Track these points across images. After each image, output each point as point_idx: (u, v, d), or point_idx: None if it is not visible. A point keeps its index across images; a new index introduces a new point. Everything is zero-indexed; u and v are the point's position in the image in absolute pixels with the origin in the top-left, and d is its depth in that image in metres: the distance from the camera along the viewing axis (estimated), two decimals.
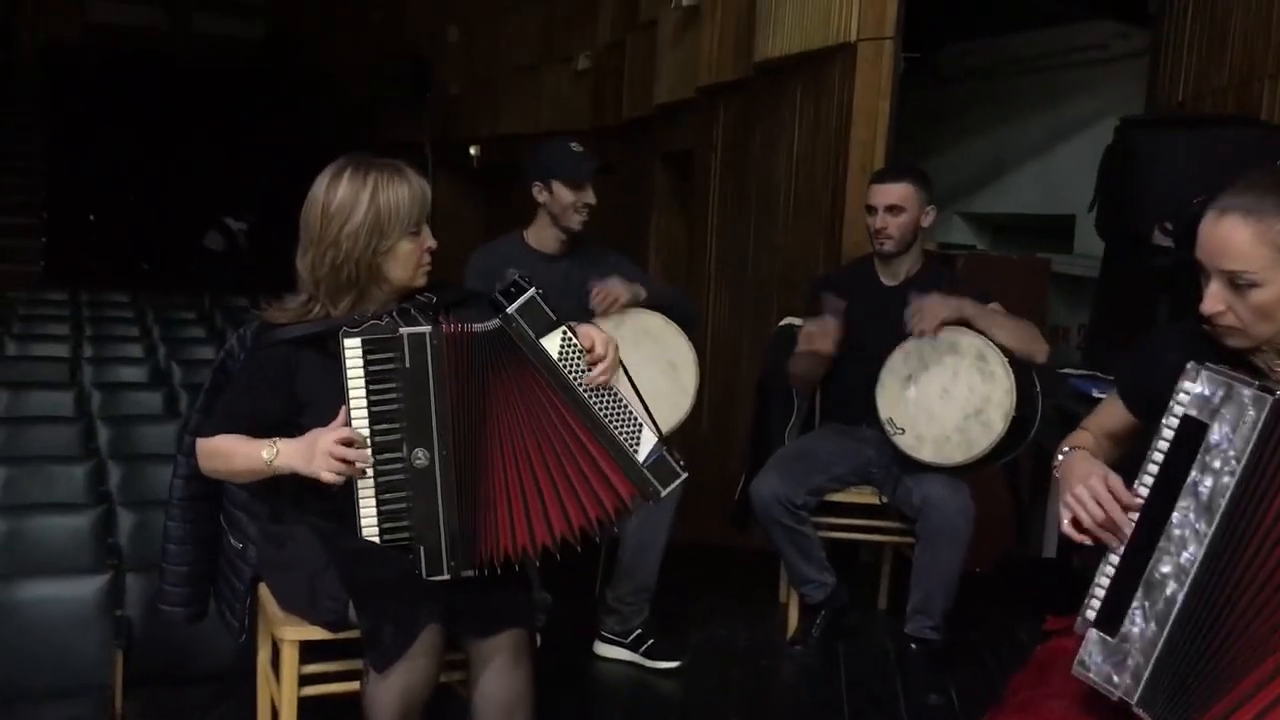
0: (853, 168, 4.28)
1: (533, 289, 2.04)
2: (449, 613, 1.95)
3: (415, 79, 10.77)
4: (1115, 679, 1.51)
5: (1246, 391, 1.46)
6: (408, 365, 1.96)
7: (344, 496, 1.99)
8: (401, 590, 1.93)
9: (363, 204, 2.02)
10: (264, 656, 2.28)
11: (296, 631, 2.06)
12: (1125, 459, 1.75)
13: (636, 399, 2.08)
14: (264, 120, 13.27)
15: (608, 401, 2.05)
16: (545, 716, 2.09)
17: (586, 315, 3.09)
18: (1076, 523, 1.62)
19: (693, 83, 5.88)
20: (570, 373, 2.03)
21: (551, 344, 2.03)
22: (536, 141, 3.44)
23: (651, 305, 3.16)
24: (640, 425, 2.07)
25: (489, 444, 2.03)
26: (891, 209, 3.19)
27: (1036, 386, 3.09)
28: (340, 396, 1.97)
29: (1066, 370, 3.78)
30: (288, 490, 2.11)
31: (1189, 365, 1.54)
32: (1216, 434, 1.47)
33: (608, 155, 3.28)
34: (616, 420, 2.05)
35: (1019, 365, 3.00)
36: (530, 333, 2.02)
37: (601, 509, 2.04)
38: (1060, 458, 1.77)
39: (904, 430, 3.07)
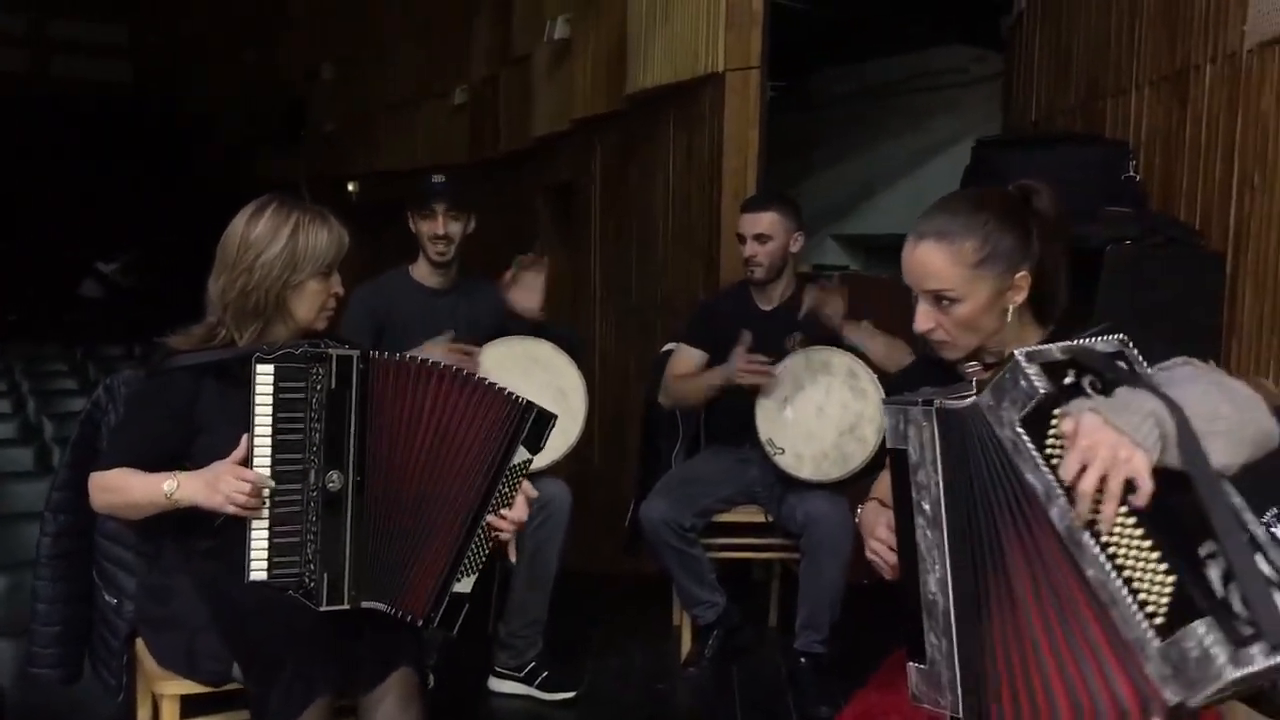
0: (726, 195, 4.37)
1: (553, 416, 2.05)
2: (340, 673, 1.92)
3: (290, 117, 10.64)
4: (941, 701, 1.58)
5: (915, 410, 1.55)
6: (332, 385, 1.95)
7: (230, 532, 1.96)
8: (291, 653, 1.90)
9: (282, 238, 2.05)
10: (144, 715, 2.22)
11: (176, 686, 2.01)
12: None
13: (490, 554, 2.06)
14: (136, 163, 12.94)
15: (484, 533, 2.03)
16: None
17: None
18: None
19: (568, 115, 5.94)
20: (500, 485, 2.02)
21: (520, 455, 2.03)
22: (415, 177, 3.45)
23: (541, 334, 3.18)
24: (479, 568, 2.03)
25: (411, 482, 2.02)
26: (759, 237, 3.28)
27: None
28: (239, 426, 1.94)
29: None
30: (170, 527, 2.07)
31: (882, 403, 1.64)
32: (913, 454, 1.55)
33: (487, 189, 3.28)
34: (475, 547, 2.02)
35: (889, 380, 3.10)
36: (525, 431, 2.01)
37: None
38: (859, 512, 1.86)
39: (784, 450, 3.14)
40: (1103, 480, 1.32)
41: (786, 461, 3.13)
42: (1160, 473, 1.34)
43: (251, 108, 11.27)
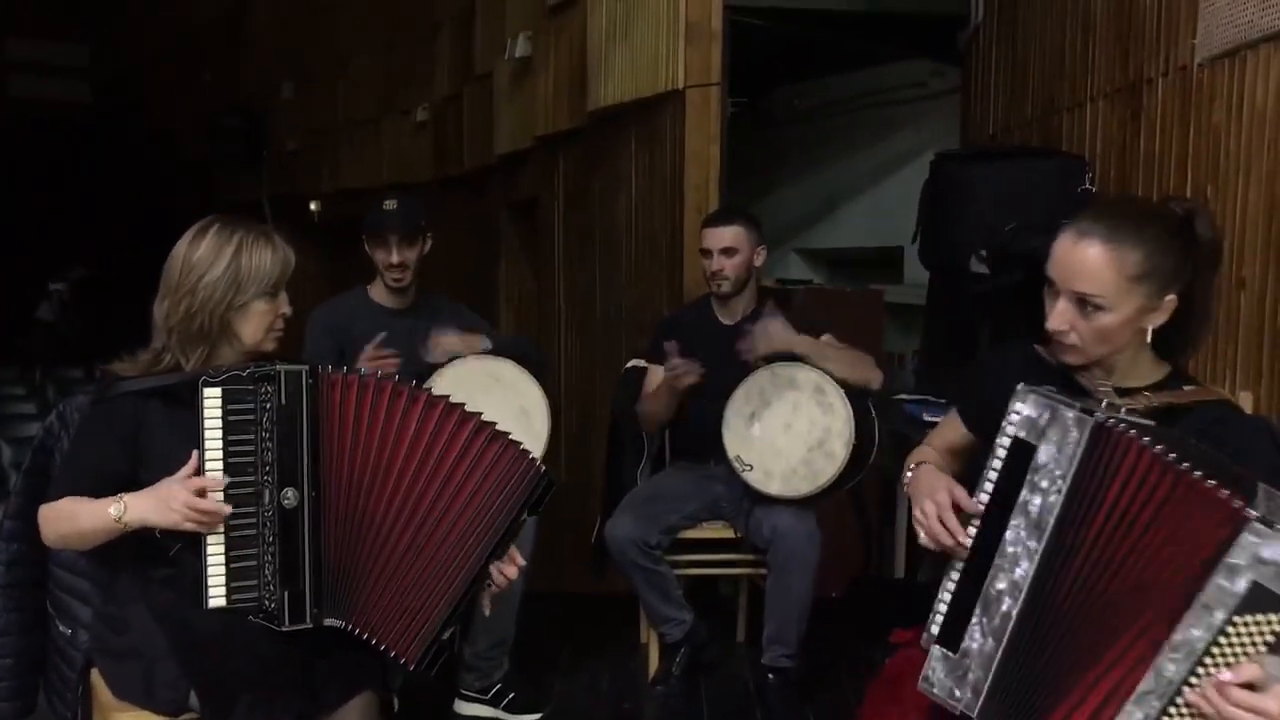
0: (688, 210, 4.38)
1: (553, 483, 2.01)
2: (302, 693, 1.90)
3: (251, 136, 10.57)
4: (957, 693, 1.56)
5: (1070, 414, 1.51)
6: (282, 401, 1.92)
7: (187, 559, 1.93)
8: (249, 683, 1.87)
9: (225, 258, 2.01)
10: None
11: (132, 718, 1.97)
12: (968, 473, 1.79)
13: (477, 604, 2.03)
14: (96, 183, 12.81)
15: (477, 588, 1.99)
16: None
17: (428, 367, 3.08)
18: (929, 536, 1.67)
19: (531, 132, 5.94)
20: (502, 542, 1.98)
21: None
22: (378, 195, 3.42)
23: (502, 352, 3.16)
24: (461, 616, 2.00)
25: (370, 498, 1.99)
26: (726, 251, 3.28)
27: (872, 413, 3.20)
28: (188, 451, 1.91)
29: (900, 396, 3.93)
30: (126, 557, 2.03)
31: (1019, 387, 1.59)
32: (1044, 454, 1.53)
33: (450, 206, 3.26)
34: (466, 599, 1.98)
35: (855, 394, 3.11)
36: (536, 496, 1.98)
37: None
38: (909, 474, 1.82)
39: (752, 466, 3.14)
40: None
41: (755, 478, 3.13)
42: None
43: (212, 127, 11.18)
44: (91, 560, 2.10)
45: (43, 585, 2.19)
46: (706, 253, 3.32)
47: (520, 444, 1.98)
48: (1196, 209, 1.70)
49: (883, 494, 4.11)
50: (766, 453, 3.14)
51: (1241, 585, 1.36)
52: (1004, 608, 1.53)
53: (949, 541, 1.63)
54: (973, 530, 1.62)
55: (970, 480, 1.68)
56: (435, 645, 1.96)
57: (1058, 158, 3.53)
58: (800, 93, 6.71)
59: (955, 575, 1.63)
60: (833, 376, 3.11)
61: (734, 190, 4.65)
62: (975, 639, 1.56)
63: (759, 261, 3.36)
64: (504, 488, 1.96)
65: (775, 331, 3.13)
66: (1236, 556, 1.37)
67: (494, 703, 3.09)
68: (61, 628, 2.16)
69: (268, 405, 1.92)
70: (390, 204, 3.17)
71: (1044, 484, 1.52)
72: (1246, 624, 1.37)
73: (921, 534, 1.69)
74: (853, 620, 3.81)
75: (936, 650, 1.60)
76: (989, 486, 1.60)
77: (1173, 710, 1.42)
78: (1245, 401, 2.31)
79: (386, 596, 1.97)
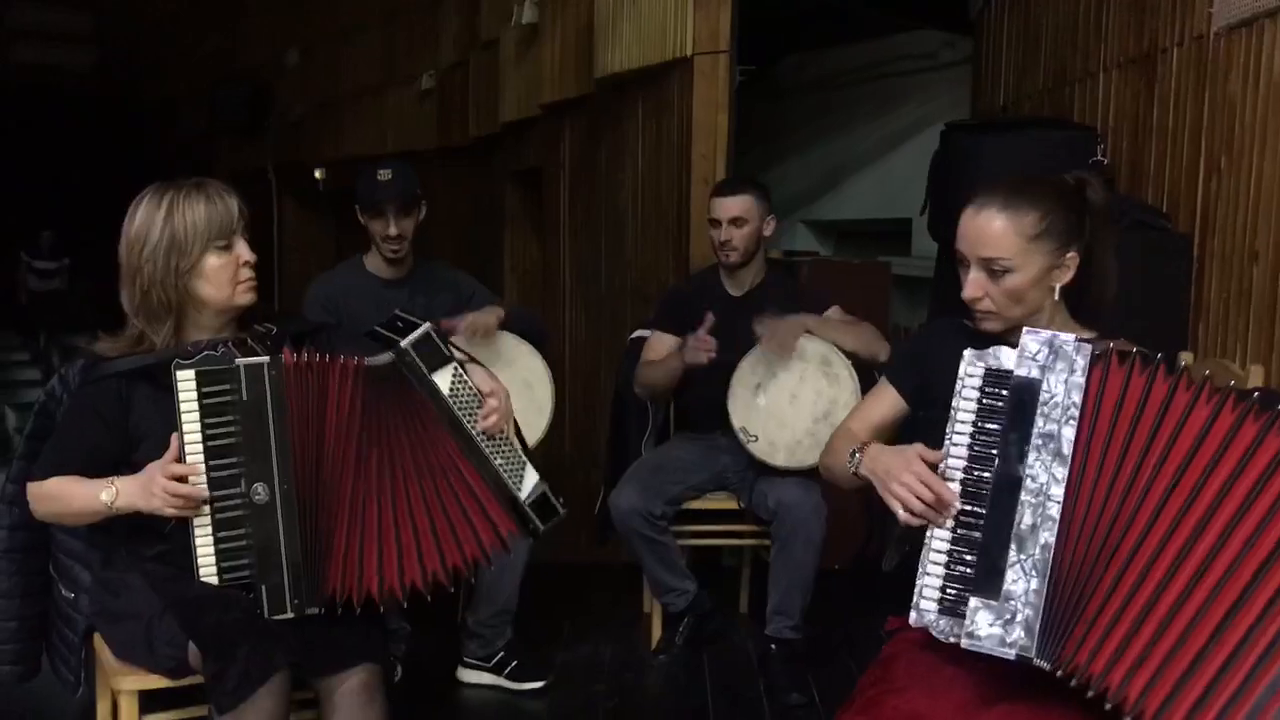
0: (695, 180, 4.35)
1: (427, 324, 2.06)
2: (299, 653, 1.89)
3: (255, 104, 10.52)
4: (1008, 639, 1.53)
5: (1069, 345, 1.59)
6: (245, 397, 1.91)
7: (180, 536, 1.92)
8: (247, 632, 1.87)
9: (158, 224, 1.97)
10: (103, 709, 2.18)
11: (134, 681, 1.97)
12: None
13: (519, 440, 2.14)
14: (99, 150, 12.77)
15: (493, 439, 2.09)
16: None
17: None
18: (910, 510, 1.66)
19: (537, 100, 5.89)
20: (460, 410, 2.05)
21: (443, 380, 2.05)
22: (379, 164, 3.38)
23: (505, 326, 3.14)
24: (524, 464, 2.12)
25: (346, 479, 1.99)
26: (735, 221, 3.25)
27: None
28: (175, 430, 1.90)
29: None
30: (121, 532, 2.02)
31: (967, 352, 1.66)
32: (1048, 389, 1.58)
33: (455, 175, 3.23)
34: (501, 458, 2.09)
35: (862, 366, 3.09)
36: (423, 367, 2.03)
37: (478, 546, 2.05)
38: (857, 458, 1.81)
39: (757, 438, 3.12)
40: None
41: (760, 449, 3.11)
42: None
43: (217, 95, 11.12)
44: (87, 530, 2.10)
45: (45, 550, 2.19)
46: (715, 222, 3.29)
47: (369, 359, 2.02)
48: (1086, 178, 1.84)
49: None
50: (771, 424, 3.12)
51: None
52: (1041, 540, 1.54)
53: (949, 500, 1.61)
54: (955, 487, 1.61)
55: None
56: (518, 509, 2.09)
57: (1069, 129, 3.49)
58: (808, 62, 6.65)
59: (938, 542, 1.61)
60: (840, 348, 3.09)
61: (741, 160, 4.61)
62: (1018, 579, 1.54)
63: (768, 232, 3.33)
64: (393, 395, 2.02)
65: (782, 336, 3.07)
66: None
67: (496, 671, 3.10)
68: (64, 592, 2.16)
69: (235, 396, 1.90)
70: (385, 174, 3.10)
71: (1056, 414, 1.57)
72: None
73: (900, 512, 1.67)
74: (855, 592, 3.80)
75: (975, 602, 1.56)
76: (962, 439, 1.62)
77: None
78: (1255, 375, 2.28)
79: (368, 560, 1.98)
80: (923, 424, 1.87)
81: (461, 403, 2.06)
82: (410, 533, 2.01)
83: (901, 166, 5.83)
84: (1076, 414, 1.56)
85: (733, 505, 3.30)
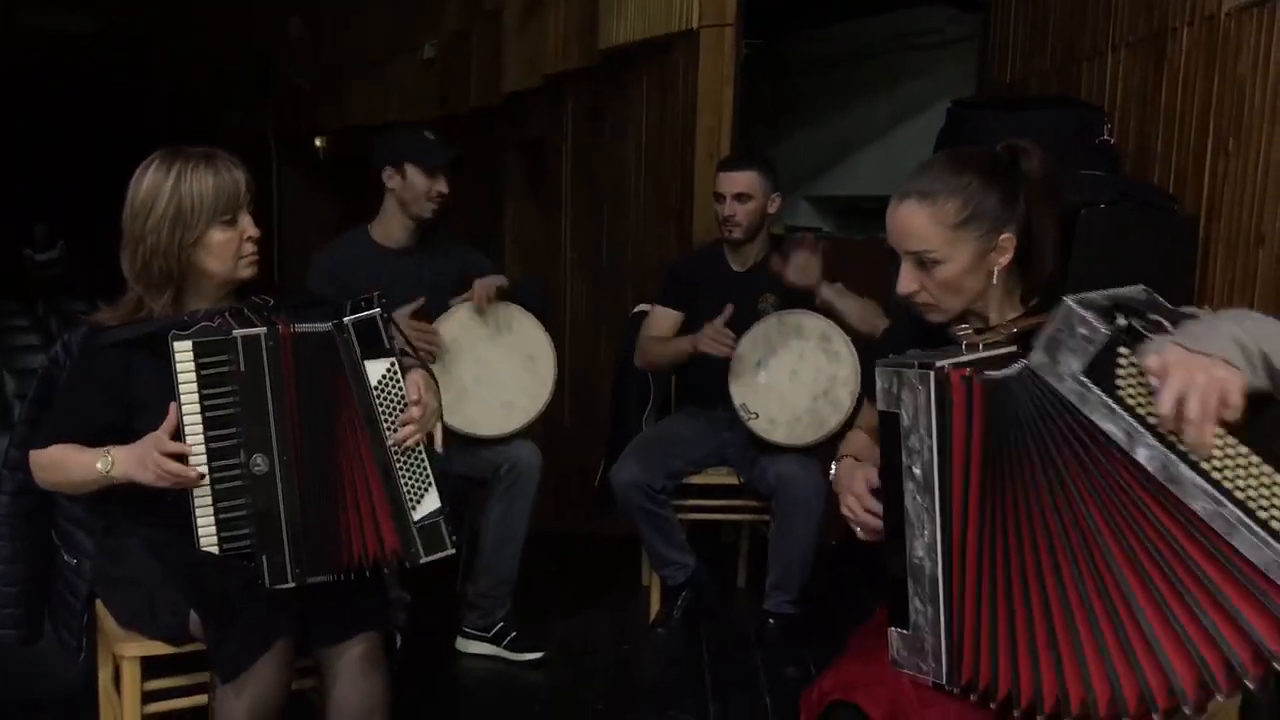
0: (700, 154, 4.32)
1: (378, 309, 1.99)
2: (299, 620, 1.90)
3: (257, 72, 10.46)
4: (923, 666, 1.58)
5: (910, 373, 1.53)
6: (242, 368, 1.90)
7: (181, 505, 1.93)
8: (249, 601, 1.87)
9: (164, 195, 1.95)
10: (105, 675, 2.19)
11: (137, 647, 1.98)
12: None
13: (430, 456, 2.03)
14: (102, 117, 12.71)
15: (405, 449, 2.00)
16: (407, 717, 2.06)
17: (441, 309, 3.06)
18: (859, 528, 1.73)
19: (540, 71, 5.85)
20: (380, 405, 1.98)
21: (374, 370, 1.98)
22: (383, 133, 3.37)
23: (509, 297, 3.14)
24: (429, 484, 2.01)
25: (337, 446, 1.99)
26: (740, 196, 3.24)
27: None
28: (174, 399, 1.90)
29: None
30: (122, 500, 2.03)
31: (876, 365, 1.61)
32: (906, 418, 1.54)
33: (458, 146, 3.23)
34: (406, 471, 2.00)
35: (862, 343, 3.09)
36: (357, 349, 1.98)
37: (364, 548, 2.00)
38: (833, 469, 1.85)
39: (757, 415, 3.13)
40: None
41: (760, 426, 3.12)
42: (1249, 395, 1.30)
43: (219, 63, 11.06)
44: (89, 497, 2.10)
45: (48, 515, 2.20)
46: (720, 197, 3.27)
47: (310, 326, 1.98)
48: (1023, 148, 1.71)
49: None
50: (772, 401, 3.13)
51: (1086, 383, 1.38)
52: (928, 571, 1.55)
53: (875, 525, 1.67)
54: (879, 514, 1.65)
55: None
56: (412, 529, 1.98)
57: (1076, 108, 3.47)
58: (814, 37, 6.61)
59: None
60: (841, 325, 3.09)
61: (745, 135, 4.59)
62: (917, 608, 1.57)
63: (773, 209, 3.31)
64: (328, 368, 1.98)
65: (808, 266, 3.09)
66: (1060, 387, 1.40)
67: (495, 641, 3.11)
68: (67, 557, 2.17)
69: (233, 368, 1.89)
70: (430, 134, 3.15)
71: (915, 445, 1.53)
72: (1124, 379, 1.37)
73: (856, 528, 1.73)
74: (853, 567, 3.82)
75: (893, 632, 1.61)
76: (879, 467, 1.63)
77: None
78: None
79: (352, 524, 1.98)
80: None
81: (384, 400, 1.99)
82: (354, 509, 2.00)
83: (906, 143, 5.79)
84: (933, 442, 1.51)
85: (733, 480, 3.31)
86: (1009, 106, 3.73)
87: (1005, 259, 1.69)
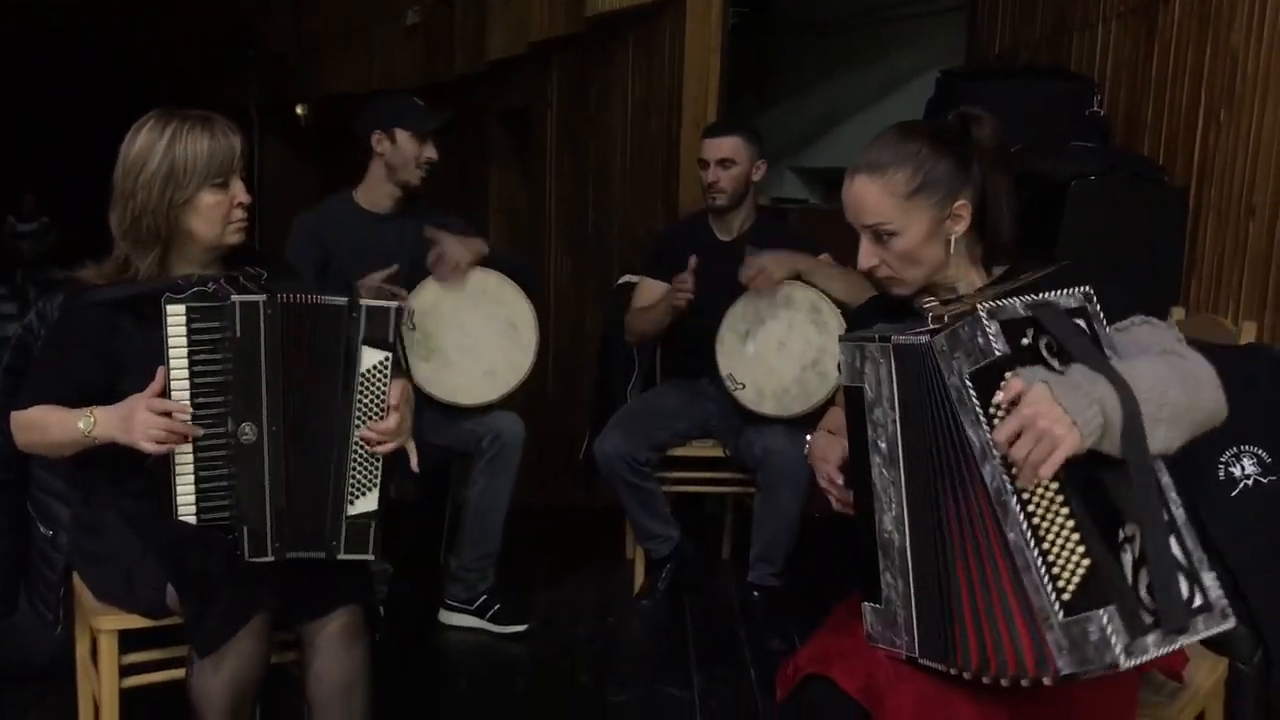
0: (686, 122, 4.28)
1: (398, 304, 1.97)
2: (280, 594, 1.87)
3: (238, 39, 10.33)
4: (896, 641, 1.58)
5: (872, 346, 1.54)
6: (238, 335, 1.87)
7: (161, 472, 1.89)
8: (227, 575, 1.85)
9: (158, 153, 1.93)
10: (82, 649, 2.16)
11: (114, 621, 1.95)
12: None
13: (381, 468, 2.00)
14: (80, 85, 12.55)
15: (363, 449, 1.97)
16: (389, 690, 2.05)
17: (423, 276, 3.02)
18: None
19: (525, 38, 5.78)
20: (359, 398, 1.95)
21: (368, 358, 1.95)
22: (367, 101, 3.32)
23: (494, 266, 3.10)
24: (375, 486, 1.98)
25: (329, 422, 1.96)
26: (723, 162, 3.21)
27: None
28: (161, 363, 1.86)
29: None
30: (102, 466, 1.99)
31: (839, 341, 1.63)
32: (869, 391, 1.55)
33: (451, 112, 3.22)
34: (359, 464, 1.97)
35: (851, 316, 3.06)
36: (362, 330, 1.94)
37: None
38: (808, 441, 1.85)
39: (744, 385, 3.10)
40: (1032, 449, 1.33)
41: (747, 396, 3.10)
42: (1097, 453, 1.36)
43: (199, 30, 10.91)
44: (68, 465, 2.07)
45: (24, 486, 2.17)
46: (704, 163, 3.24)
47: (318, 296, 1.94)
48: (974, 115, 1.70)
49: None
50: (759, 371, 3.10)
51: (966, 385, 1.41)
52: (897, 544, 1.55)
53: (848, 499, 1.68)
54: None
55: None
56: (341, 524, 1.95)
57: (1067, 79, 3.44)
58: (801, 6, 6.55)
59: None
60: (830, 296, 3.06)
61: (732, 104, 4.54)
62: (888, 583, 1.57)
63: (758, 176, 3.28)
64: (323, 341, 1.94)
65: (769, 267, 3.05)
66: (947, 376, 1.43)
67: (479, 614, 3.09)
68: (43, 529, 2.14)
69: (227, 334, 1.86)
70: (420, 101, 3.13)
71: (879, 417, 1.54)
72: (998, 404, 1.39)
73: (835, 502, 1.74)
74: (837, 540, 3.81)
75: (867, 606, 1.61)
76: (848, 441, 1.64)
77: (1031, 516, 1.40)
78: (1248, 331, 2.27)
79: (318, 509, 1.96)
80: None
81: (366, 393, 1.96)
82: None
83: (894, 114, 5.68)
84: (896, 414, 1.52)
85: (718, 453, 3.29)
86: (999, 77, 3.70)
87: (961, 226, 1.67)
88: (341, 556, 1.97)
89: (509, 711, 2.72)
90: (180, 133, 1.94)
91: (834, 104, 6.51)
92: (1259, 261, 2.54)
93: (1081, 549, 1.36)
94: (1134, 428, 1.36)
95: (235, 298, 1.88)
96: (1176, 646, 1.38)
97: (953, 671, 1.51)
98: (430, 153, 3.05)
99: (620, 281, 3.60)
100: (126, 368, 1.95)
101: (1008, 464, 1.37)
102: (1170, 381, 1.41)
